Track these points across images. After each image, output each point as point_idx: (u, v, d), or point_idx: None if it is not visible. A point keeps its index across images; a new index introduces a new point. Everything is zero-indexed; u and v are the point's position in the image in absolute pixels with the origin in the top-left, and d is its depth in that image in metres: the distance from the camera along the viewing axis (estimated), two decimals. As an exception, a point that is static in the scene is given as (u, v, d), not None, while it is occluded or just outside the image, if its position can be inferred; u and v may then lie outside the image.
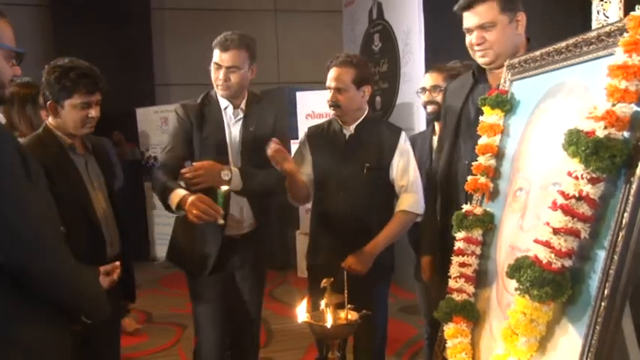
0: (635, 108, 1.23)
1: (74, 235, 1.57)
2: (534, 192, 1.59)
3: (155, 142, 7.19)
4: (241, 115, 2.62)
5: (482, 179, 1.83)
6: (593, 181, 1.25)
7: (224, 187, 2.33)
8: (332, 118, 2.68)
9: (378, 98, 5.82)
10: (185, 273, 2.72)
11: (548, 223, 1.32)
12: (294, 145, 2.87)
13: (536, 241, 1.35)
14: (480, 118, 1.90)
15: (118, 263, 1.97)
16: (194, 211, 2.22)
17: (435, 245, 2.37)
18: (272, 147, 2.37)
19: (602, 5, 1.92)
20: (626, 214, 1.21)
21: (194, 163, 2.46)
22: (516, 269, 1.36)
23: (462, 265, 1.81)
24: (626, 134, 1.24)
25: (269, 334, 4.42)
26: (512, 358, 1.41)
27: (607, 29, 1.40)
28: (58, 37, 7.27)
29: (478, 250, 1.80)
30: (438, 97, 2.75)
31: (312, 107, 6.00)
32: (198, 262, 2.59)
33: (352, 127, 2.61)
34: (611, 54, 1.33)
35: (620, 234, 1.21)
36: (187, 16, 8.11)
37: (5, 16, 1.52)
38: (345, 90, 2.54)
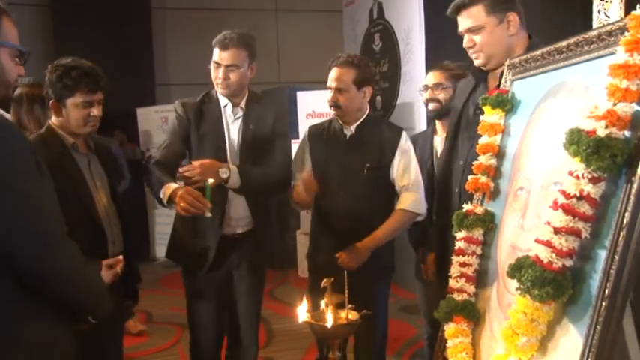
0: (636, 107, 1.23)
1: (76, 233, 1.57)
2: (535, 191, 1.58)
3: (156, 141, 7.17)
4: (240, 113, 2.62)
5: (483, 179, 1.83)
6: (594, 181, 1.25)
7: (210, 180, 2.34)
8: (333, 118, 2.68)
9: (378, 98, 5.82)
10: (182, 270, 2.72)
11: (549, 223, 1.32)
12: (295, 145, 2.87)
13: (537, 240, 1.34)
14: (481, 117, 1.89)
15: (121, 257, 2.00)
16: (182, 204, 2.25)
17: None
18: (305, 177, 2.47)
19: (602, 5, 1.91)
20: (627, 214, 1.20)
21: (193, 162, 2.46)
22: (517, 269, 1.36)
23: (463, 264, 1.80)
24: (627, 134, 1.24)
25: (269, 333, 4.41)
26: (513, 358, 1.41)
27: (608, 28, 1.40)
28: (59, 36, 7.25)
29: (479, 250, 1.80)
30: (440, 95, 2.76)
31: (313, 107, 6.00)
32: (197, 257, 2.59)
33: (353, 127, 2.61)
34: (612, 53, 1.32)
35: (621, 233, 1.21)
36: (188, 16, 8.10)
37: (11, 15, 1.52)
38: (346, 90, 2.53)
